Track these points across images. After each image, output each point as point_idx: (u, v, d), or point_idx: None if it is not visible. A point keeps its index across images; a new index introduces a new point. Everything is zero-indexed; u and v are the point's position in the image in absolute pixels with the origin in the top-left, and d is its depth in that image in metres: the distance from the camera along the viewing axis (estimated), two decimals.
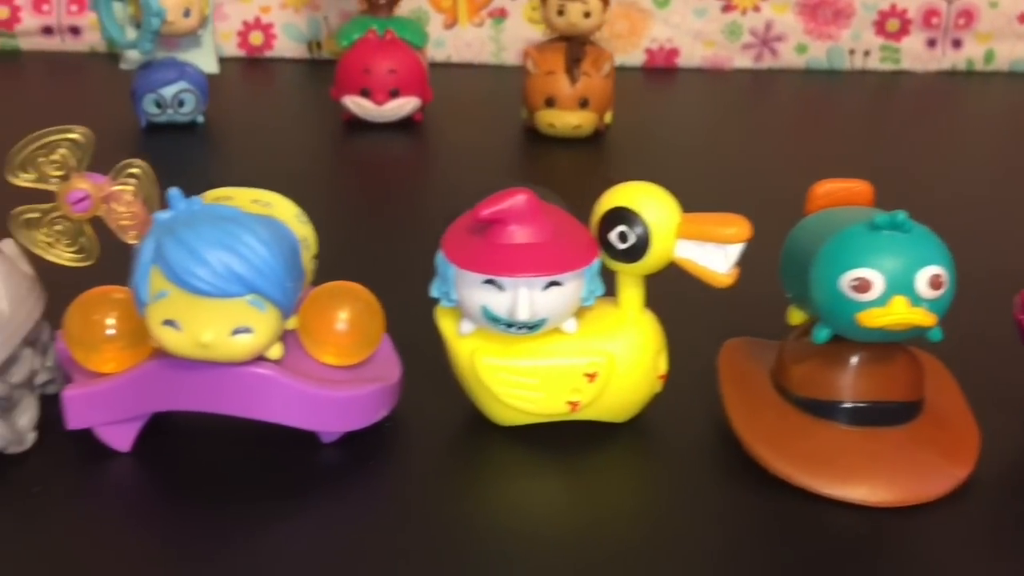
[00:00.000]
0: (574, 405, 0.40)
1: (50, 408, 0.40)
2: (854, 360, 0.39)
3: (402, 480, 0.39)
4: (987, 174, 0.80)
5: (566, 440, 0.41)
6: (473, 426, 0.42)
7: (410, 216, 0.68)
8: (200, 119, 0.80)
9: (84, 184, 0.39)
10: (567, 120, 0.79)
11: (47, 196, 0.40)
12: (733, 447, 0.41)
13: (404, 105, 0.81)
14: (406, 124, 0.83)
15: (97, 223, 0.41)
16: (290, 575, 0.34)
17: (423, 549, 0.35)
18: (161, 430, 0.40)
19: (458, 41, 1.03)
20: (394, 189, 0.76)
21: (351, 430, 0.39)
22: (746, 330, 0.46)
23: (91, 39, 1.01)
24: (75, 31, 1.01)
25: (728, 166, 0.79)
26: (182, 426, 0.40)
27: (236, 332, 0.35)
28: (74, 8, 1.00)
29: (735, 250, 0.38)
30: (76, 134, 0.38)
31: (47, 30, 1.01)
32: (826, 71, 1.05)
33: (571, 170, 0.79)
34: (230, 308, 0.35)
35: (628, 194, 0.38)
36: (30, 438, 0.39)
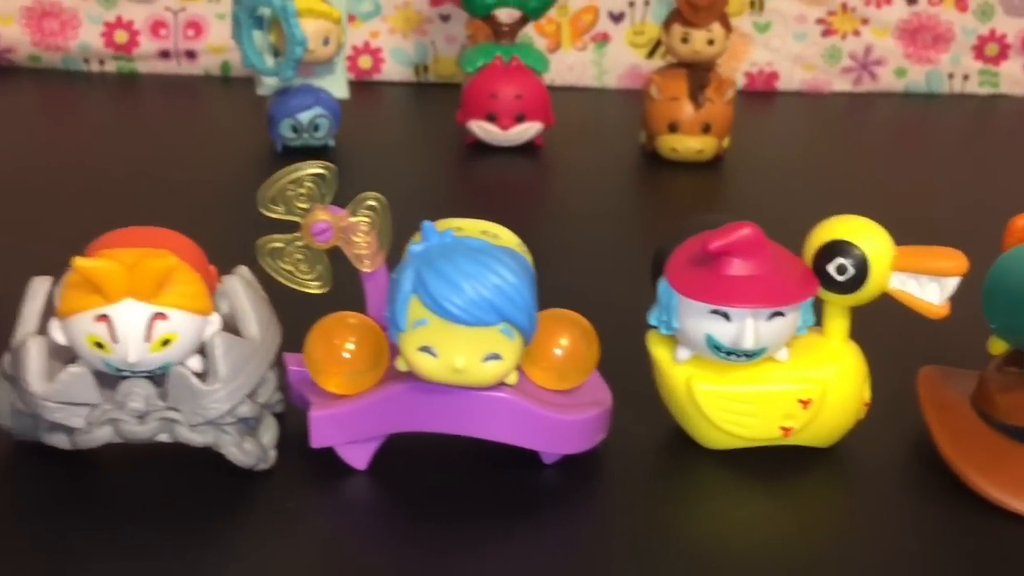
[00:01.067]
0: (787, 431, 0.42)
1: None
2: None
3: (616, 498, 0.41)
4: None
5: (769, 462, 0.43)
6: (677, 448, 0.44)
7: (542, 239, 0.70)
8: (331, 143, 0.83)
9: (326, 216, 0.41)
10: (690, 145, 0.81)
11: (286, 226, 0.42)
12: (930, 470, 0.42)
13: (528, 129, 0.84)
14: (528, 148, 0.86)
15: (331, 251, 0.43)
16: None
17: (639, 565, 0.37)
18: (393, 449, 0.42)
19: (560, 65, 1.05)
20: (524, 211, 0.78)
21: (575, 452, 0.41)
22: (935, 358, 0.47)
23: (206, 63, 1.05)
24: (191, 55, 1.05)
25: (838, 188, 0.81)
26: (412, 446, 0.42)
27: (487, 359, 0.38)
28: (190, 33, 1.04)
29: (951, 283, 0.40)
30: (322, 169, 0.41)
31: (164, 54, 1.05)
32: (925, 95, 1.07)
33: (692, 193, 0.81)
34: (483, 336, 0.37)
35: (845, 227, 0.40)
36: (272, 455, 0.41)
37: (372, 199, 0.42)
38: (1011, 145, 0.97)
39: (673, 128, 0.81)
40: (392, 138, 0.94)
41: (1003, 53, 1.06)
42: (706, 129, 0.80)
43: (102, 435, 0.38)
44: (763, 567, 0.38)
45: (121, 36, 1.04)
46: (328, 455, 0.41)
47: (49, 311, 0.40)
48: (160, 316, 0.37)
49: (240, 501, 0.40)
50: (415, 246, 0.38)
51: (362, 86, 1.08)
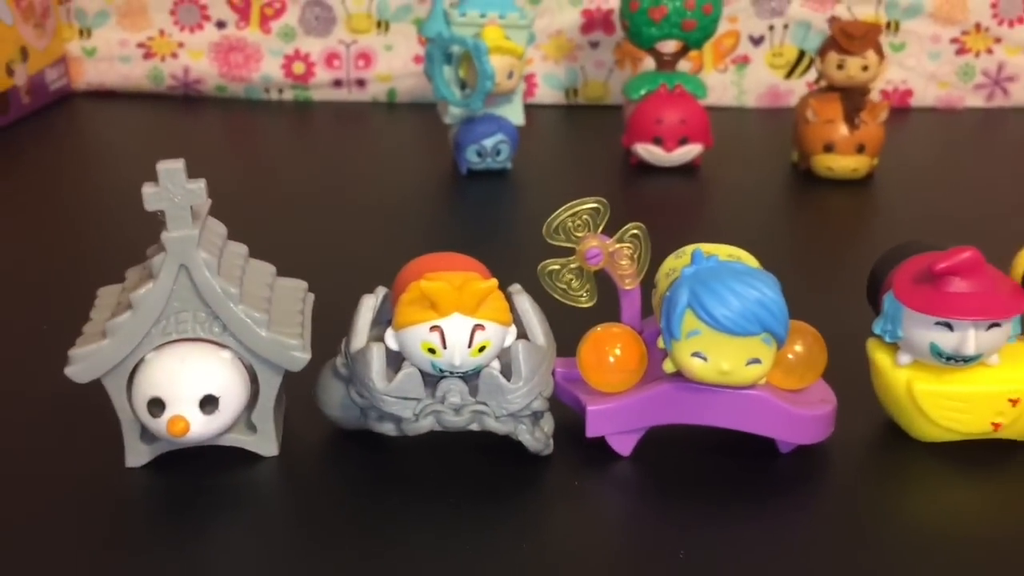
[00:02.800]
0: (997, 425, 0.48)
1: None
2: None
3: (842, 485, 0.48)
4: None
5: (975, 455, 0.49)
6: (892, 442, 0.50)
7: None
8: (509, 166, 0.91)
9: (597, 243, 0.49)
10: (845, 164, 0.87)
11: (559, 251, 0.50)
12: None
13: (691, 151, 0.91)
14: (688, 168, 0.92)
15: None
16: (751, 569, 0.43)
17: (862, 543, 0.44)
18: (651, 439, 0.49)
19: None
20: (689, 226, 0.84)
21: (810, 442, 0.48)
22: None
23: (373, 90, 1.14)
24: (360, 83, 1.14)
25: (983, 203, 0.86)
26: (667, 436, 0.49)
27: (750, 363, 0.45)
28: (360, 63, 1.13)
29: None
30: (597, 204, 0.48)
31: (337, 83, 1.14)
32: None
33: (846, 208, 0.87)
34: (748, 344, 0.44)
35: None
36: (551, 445, 0.49)
37: (635, 229, 0.49)
38: None
39: (829, 148, 0.87)
40: (556, 159, 1.01)
41: None
42: (860, 149, 0.86)
43: (425, 424, 0.46)
44: (969, 548, 0.44)
45: (299, 67, 1.14)
46: (594, 444, 0.49)
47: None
48: (479, 327, 0.45)
49: (528, 479, 0.48)
50: (687, 268, 0.45)
51: None
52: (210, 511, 0.46)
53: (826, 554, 0.43)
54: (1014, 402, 0.47)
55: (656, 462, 0.49)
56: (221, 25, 1.13)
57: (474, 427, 0.47)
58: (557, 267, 0.50)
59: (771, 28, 1.11)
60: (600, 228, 0.49)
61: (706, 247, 0.48)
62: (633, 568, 0.42)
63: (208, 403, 0.45)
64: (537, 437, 0.48)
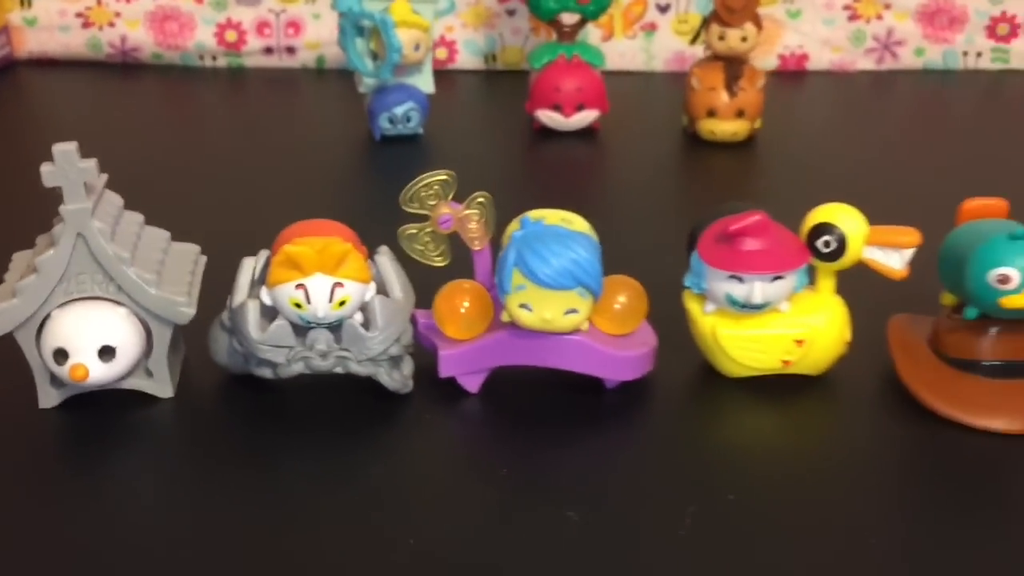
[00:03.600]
0: (787, 363, 0.56)
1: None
2: (993, 330, 0.54)
3: (662, 413, 0.56)
4: None
5: (774, 387, 0.57)
6: (705, 377, 0.59)
7: (601, 212, 0.84)
8: (420, 131, 0.97)
9: (448, 210, 0.56)
10: (726, 128, 0.94)
11: (418, 217, 0.57)
12: (895, 392, 0.56)
13: (587, 116, 0.98)
14: (586, 132, 1.00)
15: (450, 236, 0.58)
16: (599, 480, 0.51)
17: (679, 461, 0.52)
18: (496, 378, 0.57)
19: (612, 52, 1.18)
20: (585, 187, 0.92)
21: (629, 379, 0.56)
22: (901, 308, 0.61)
23: (303, 57, 1.20)
24: (291, 50, 1.20)
25: (859, 163, 0.94)
26: (510, 376, 0.57)
27: (567, 312, 0.52)
28: (290, 31, 1.19)
29: (909, 253, 0.53)
30: (446, 176, 0.55)
31: (268, 50, 1.20)
32: (941, 71, 1.19)
33: (728, 169, 0.94)
34: (565, 297, 0.52)
35: (830, 213, 0.54)
36: (410, 383, 0.56)
37: (481, 197, 0.56)
38: (1020, 117, 1.09)
39: (711, 113, 0.94)
40: (469, 124, 1.08)
41: (1013, 32, 1.17)
42: (740, 114, 0.93)
43: (296, 368, 0.54)
44: (771, 464, 0.52)
45: (231, 35, 1.19)
46: (449, 383, 0.57)
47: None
48: (339, 285, 0.52)
49: (388, 413, 0.56)
50: (516, 232, 0.53)
51: (440, 75, 1.21)
52: (114, 445, 0.53)
53: (648, 469, 0.51)
54: (800, 343, 0.55)
55: (500, 398, 0.57)
56: None
57: (339, 370, 0.54)
58: (414, 231, 0.57)
59: None
60: (450, 197, 0.56)
61: (536, 213, 0.55)
62: (466, 484, 0.50)
63: (106, 352, 0.53)
64: (395, 378, 0.55)
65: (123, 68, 1.21)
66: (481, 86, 1.19)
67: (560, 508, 0.48)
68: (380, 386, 0.55)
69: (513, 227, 0.56)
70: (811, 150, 0.98)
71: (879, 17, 1.17)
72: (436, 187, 0.56)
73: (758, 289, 0.53)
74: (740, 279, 0.54)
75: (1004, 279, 0.51)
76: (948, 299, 0.57)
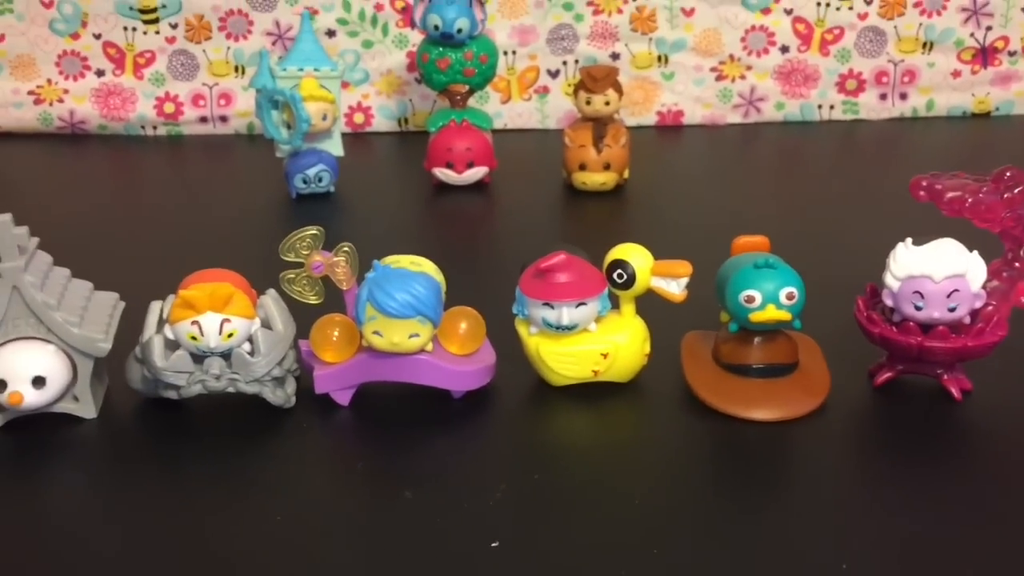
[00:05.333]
0: (596, 372, 0.69)
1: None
2: (756, 340, 0.67)
3: (499, 416, 0.68)
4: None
5: (590, 393, 0.70)
6: (535, 386, 0.71)
7: (489, 256, 0.97)
8: (332, 189, 1.10)
9: (320, 258, 0.69)
10: (595, 179, 1.08)
11: (294, 265, 0.70)
12: (685, 394, 0.69)
13: (477, 172, 1.11)
14: (478, 186, 1.13)
15: (323, 279, 0.71)
16: (437, 468, 0.63)
17: (514, 452, 0.64)
18: (363, 393, 0.69)
19: (511, 112, 1.32)
20: (475, 235, 1.05)
21: (471, 389, 0.69)
22: (695, 325, 0.74)
23: (235, 124, 1.34)
24: (224, 119, 1.34)
25: (715, 207, 1.08)
26: (374, 390, 0.70)
27: (411, 336, 0.65)
28: (223, 102, 1.33)
29: (684, 281, 0.67)
30: (315, 231, 0.68)
31: (203, 119, 1.33)
32: (800, 122, 1.34)
33: (600, 214, 1.07)
34: (408, 324, 0.65)
35: (623, 251, 0.68)
36: (293, 399, 0.69)
37: (346, 247, 0.69)
38: (869, 161, 1.24)
39: (583, 167, 1.08)
40: (379, 181, 1.21)
41: (860, 87, 1.32)
42: (607, 167, 1.07)
43: (196, 389, 0.66)
44: (586, 453, 0.65)
45: (169, 107, 1.33)
46: (325, 398, 0.69)
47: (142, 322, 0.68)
48: (227, 320, 0.65)
49: (275, 424, 0.68)
50: (369, 274, 0.66)
51: (358, 137, 1.36)
52: (46, 458, 0.65)
53: (479, 458, 0.63)
54: (605, 356, 0.68)
55: (367, 409, 0.69)
56: (100, 73, 1.32)
57: (231, 390, 0.67)
58: (293, 275, 0.70)
59: (564, 63, 1.32)
60: (320, 247, 0.69)
61: (389, 259, 0.68)
62: (332, 475, 0.63)
63: (38, 381, 0.65)
64: (278, 395, 0.68)
65: (72, 138, 1.34)
66: (394, 147, 1.32)
67: (399, 489, 0.60)
68: (267, 402, 0.68)
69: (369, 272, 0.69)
70: (673, 197, 1.12)
71: (743, 77, 1.32)
72: (308, 239, 0.69)
73: (565, 313, 0.66)
74: (551, 306, 0.67)
75: (750, 299, 0.64)
76: (724, 316, 0.70)
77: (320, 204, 1.09)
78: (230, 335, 0.65)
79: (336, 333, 0.68)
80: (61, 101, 1.32)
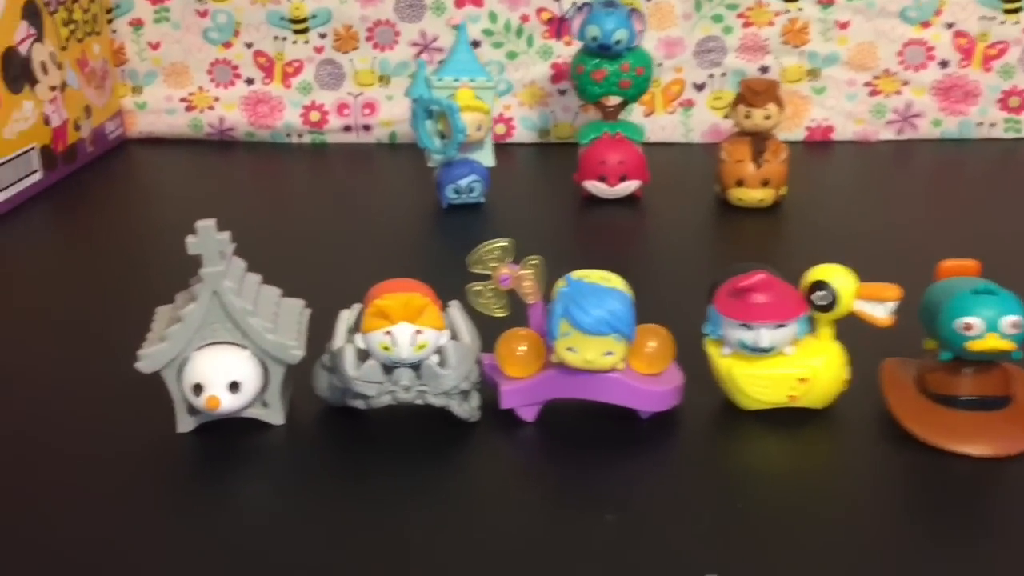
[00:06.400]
0: (792, 397, 0.66)
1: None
2: (967, 370, 0.64)
3: (688, 439, 0.66)
4: None
5: (784, 418, 0.67)
6: (725, 409, 0.69)
7: (641, 270, 0.96)
8: (483, 200, 1.10)
9: (507, 270, 0.68)
10: (752, 196, 1.05)
11: (482, 276, 0.69)
12: (886, 423, 0.66)
13: (630, 186, 1.09)
14: (629, 200, 1.11)
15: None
16: (630, 492, 0.61)
17: (704, 479, 0.62)
18: (546, 409, 0.68)
19: (654, 125, 1.30)
20: (627, 251, 1.03)
21: (660, 411, 0.67)
22: (893, 352, 0.71)
23: (378, 133, 1.35)
24: (367, 128, 1.35)
25: (875, 226, 1.04)
26: (561, 408, 0.68)
27: (605, 354, 0.64)
28: (367, 112, 1.34)
29: (892, 305, 0.64)
30: (505, 243, 0.67)
31: (347, 128, 1.35)
32: (957, 140, 1.29)
33: (756, 231, 1.05)
34: (603, 341, 0.63)
35: (825, 272, 0.65)
36: (478, 413, 0.68)
37: (534, 260, 0.68)
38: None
39: (740, 183, 1.05)
40: (525, 192, 1.20)
41: None
42: (765, 183, 1.04)
43: (384, 400, 0.66)
44: (780, 482, 0.62)
45: (315, 115, 1.35)
46: (508, 413, 0.68)
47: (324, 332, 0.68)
48: (419, 331, 0.64)
49: (461, 438, 0.67)
50: (563, 289, 0.64)
51: (499, 148, 1.34)
52: (235, 462, 0.66)
53: (673, 482, 0.62)
54: (803, 381, 0.66)
55: (551, 426, 0.68)
56: (250, 82, 1.34)
57: (419, 402, 0.66)
58: (480, 287, 0.69)
59: (711, 76, 1.30)
60: (509, 259, 0.68)
61: (579, 273, 0.67)
62: (524, 493, 0.62)
63: (234, 387, 0.65)
64: (465, 409, 0.67)
65: (220, 145, 1.37)
66: (536, 158, 1.31)
67: (599, 511, 0.59)
68: (453, 415, 0.67)
69: (560, 284, 0.67)
70: (832, 214, 1.08)
71: (898, 92, 1.28)
72: (497, 251, 0.68)
73: (764, 335, 0.64)
74: (749, 327, 0.64)
75: (968, 327, 0.61)
76: (930, 344, 0.67)
77: (471, 215, 1.09)
78: (422, 346, 0.64)
79: (522, 348, 0.67)
80: (211, 108, 1.35)
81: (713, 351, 0.68)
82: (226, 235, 0.65)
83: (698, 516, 0.58)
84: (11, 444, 0.68)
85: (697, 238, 1.04)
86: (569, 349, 0.64)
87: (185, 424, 0.68)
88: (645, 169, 1.10)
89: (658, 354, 0.67)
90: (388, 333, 0.64)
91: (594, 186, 1.09)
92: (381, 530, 0.58)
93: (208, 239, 0.64)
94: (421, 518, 0.59)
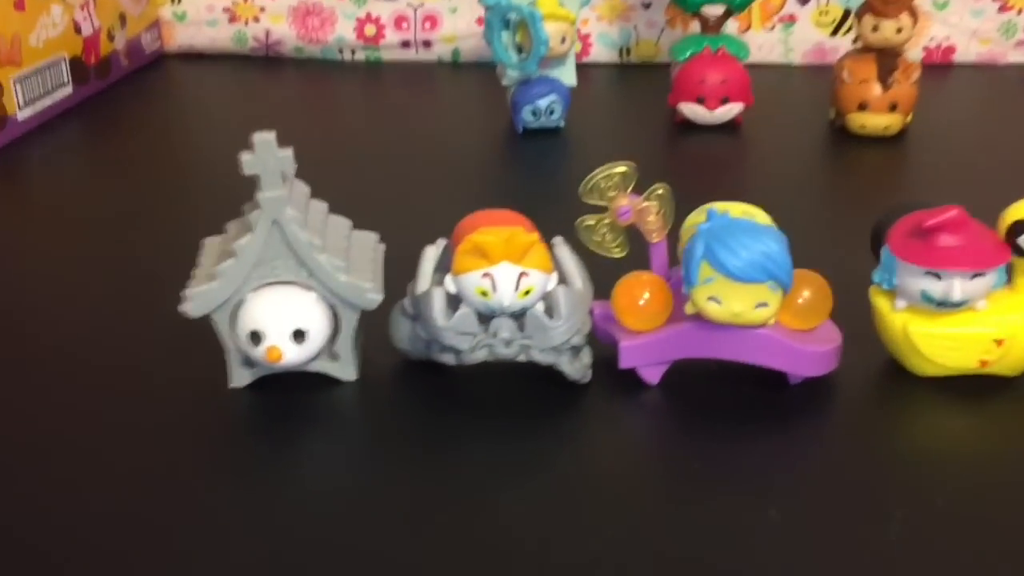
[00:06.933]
0: (984, 363, 0.54)
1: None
2: None
3: (846, 412, 0.55)
4: None
5: (966, 387, 0.55)
6: (892, 376, 0.57)
7: None
8: (562, 124, 0.97)
9: (627, 201, 0.56)
10: (878, 122, 0.92)
11: (593, 209, 0.57)
12: None
13: (732, 110, 0.96)
14: (729, 126, 0.98)
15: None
16: (790, 479, 0.50)
17: (866, 462, 0.51)
18: (676, 370, 0.57)
19: (751, 44, 1.16)
20: (729, 184, 0.90)
21: (815, 375, 0.55)
22: None
23: (439, 50, 1.22)
24: (427, 44, 1.22)
25: (1013, 160, 0.90)
26: (690, 368, 0.57)
27: (758, 306, 0.52)
28: (427, 25, 1.21)
29: None
30: (624, 168, 0.55)
31: (405, 44, 1.22)
32: None
33: (878, 164, 0.92)
34: (756, 290, 0.51)
35: None
36: (589, 374, 0.56)
37: (661, 188, 0.56)
38: None
39: (863, 107, 0.92)
40: (607, 117, 1.08)
41: None
42: (893, 108, 0.91)
43: (480, 355, 0.54)
44: (961, 468, 0.50)
45: (370, 30, 1.22)
46: (626, 374, 0.57)
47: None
48: (524, 274, 0.52)
49: (568, 402, 0.56)
50: (703, 224, 0.52)
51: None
52: (299, 425, 0.55)
53: (841, 468, 0.50)
54: (999, 343, 0.53)
55: (680, 390, 0.56)
56: None
57: (521, 358, 0.55)
58: (592, 222, 0.57)
59: None
60: (629, 188, 0.56)
61: (720, 205, 0.55)
62: (652, 477, 0.50)
63: (298, 336, 0.54)
64: (576, 368, 0.55)
65: (266, 61, 1.24)
66: (616, 80, 1.18)
67: (759, 504, 0.47)
68: (556, 375, 0.55)
69: (696, 219, 0.55)
70: (962, 145, 0.95)
71: None
72: (616, 178, 0.56)
73: (957, 286, 0.52)
74: (938, 275, 0.52)
75: None
76: None
77: (548, 141, 0.96)
78: (527, 292, 0.53)
79: (646, 295, 0.56)
80: (257, 20, 1.22)
81: (882, 304, 0.55)
82: (288, 152, 0.53)
83: (888, 514, 0.46)
84: (39, 401, 0.57)
85: (810, 171, 0.92)
86: (711, 299, 0.52)
87: (239, 378, 0.57)
88: (750, 91, 0.96)
89: (812, 306, 0.55)
90: (487, 275, 0.52)
91: (691, 109, 0.96)
92: (471, 513, 0.47)
93: (267, 156, 0.52)
94: (520, 498, 0.48)
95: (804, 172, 0.91)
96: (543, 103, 0.95)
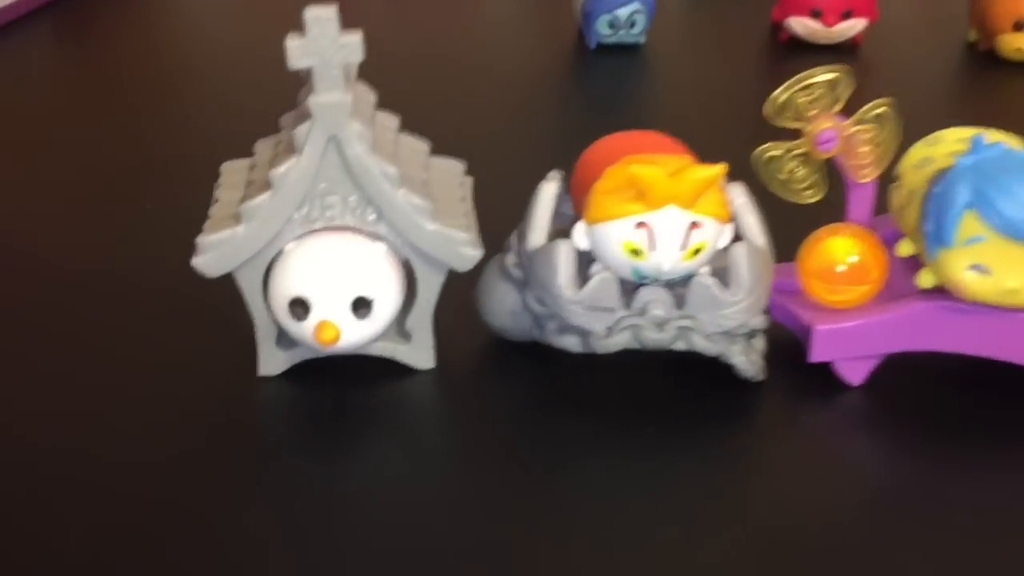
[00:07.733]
0: None
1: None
2: None
3: None
4: None
5: None
6: None
7: None
8: (643, 40, 0.81)
9: (832, 124, 0.40)
10: None
11: (780, 134, 0.41)
12: None
13: (854, 26, 0.80)
14: (845, 45, 0.82)
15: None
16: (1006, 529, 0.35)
17: None
18: (889, 367, 0.41)
19: None
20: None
21: None
22: None
23: None
24: None
25: None
26: (911, 364, 0.40)
27: None
28: None
29: None
30: (837, 74, 0.39)
31: None
32: None
33: None
34: None
35: None
36: (763, 370, 0.41)
37: (881, 107, 0.40)
38: None
39: (1019, 26, 0.75)
40: (694, 34, 0.91)
41: None
42: None
43: (620, 340, 0.39)
44: None
45: None
46: (816, 371, 0.41)
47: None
48: (696, 225, 0.37)
49: (732, 410, 0.40)
50: (965, 159, 0.36)
51: None
52: (355, 432, 0.39)
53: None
54: None
55: (893, 395, 0.40)
56: None
57: (679, 346, 0.39)
58: (779, 153, 0.41)
59: None
60: (837, 106, 0.40)
61: (952, 133, 0.39)
62: (865, 520, 0.35)
63: (360, 306, 0.38)
64: (752, 360, 0.40)
65: None
66: None
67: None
68: (717, 370, 0.40)
69: (929, 151, 0.39)
70: None
71: None
72: (822, 89, 0.39)
73: None
74: None
75: None
76: None
77: (626, 59, 0.80)
78: (697, 250, 0.37)
79: (852, 259, 0.40)
80: None
81: None
82: (356, 38, 0.36)
83: None
84: (31, 380, 0.41)
85: (948, 103, 0.75)
86: (974, 267, 0.36)
87: (272, 363, 0.41)
88: (875, 4, 0.80)
89: None
90: (642, 224, 0.36)
91: (803, 25, 0.80)
92: (579, 542, 0.33)
93: (326, 41, 0.36)
94: (646, 531, 0.34)
95: (939, 105, 0.75)
96: (623, 12, 0.78)
